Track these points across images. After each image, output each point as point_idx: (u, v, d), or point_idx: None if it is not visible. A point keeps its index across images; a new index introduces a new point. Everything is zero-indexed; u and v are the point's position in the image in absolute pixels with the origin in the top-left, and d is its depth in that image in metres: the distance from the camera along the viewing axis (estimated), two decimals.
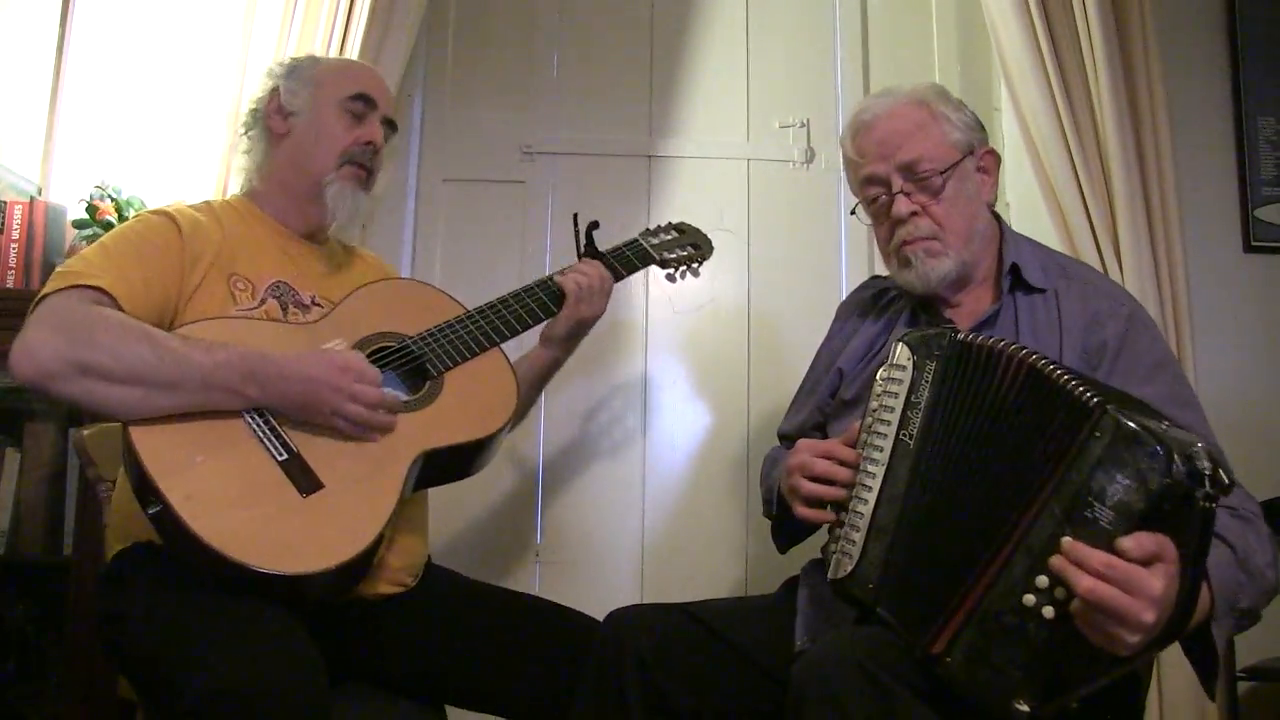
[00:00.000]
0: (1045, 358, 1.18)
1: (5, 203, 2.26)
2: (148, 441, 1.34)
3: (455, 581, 1.67)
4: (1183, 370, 1.45)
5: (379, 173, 1.72)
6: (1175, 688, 2.18)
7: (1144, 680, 1.41)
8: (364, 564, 1.38)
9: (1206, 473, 1.02)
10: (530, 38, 2.70)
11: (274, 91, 1.69)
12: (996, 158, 1.58)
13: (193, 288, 1.50)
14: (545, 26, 2.71)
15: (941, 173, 1.48)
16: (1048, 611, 1.08)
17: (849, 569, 1.27)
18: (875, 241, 1.63)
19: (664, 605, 1.46)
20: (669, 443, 2.58)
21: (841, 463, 1.33)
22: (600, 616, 1.48)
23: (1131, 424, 1.06)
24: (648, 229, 1.95)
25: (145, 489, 1.33)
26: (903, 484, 1.26)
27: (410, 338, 1.59)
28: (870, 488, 1.28)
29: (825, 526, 1.37)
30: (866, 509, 1.28)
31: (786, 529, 1.59)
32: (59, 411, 2.15)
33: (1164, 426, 1.06)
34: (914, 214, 1.50)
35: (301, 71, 1.70)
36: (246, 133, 1.72)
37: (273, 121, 1.68)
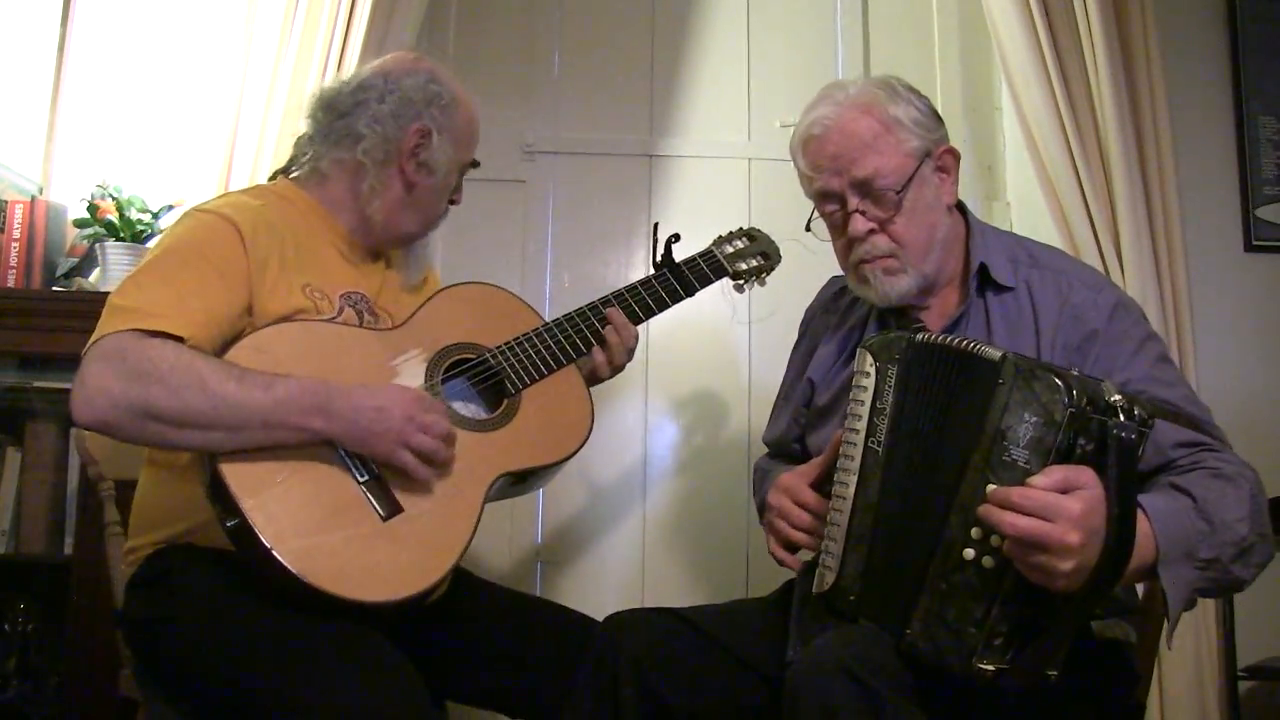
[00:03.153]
0: (976, 341, 1.21)
1: (6, 202, 2.26)
2: (231, 457, 1.31)
3: (457, 578, 1.66)
4: (1167, 353, 1.44)
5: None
6: (1176, 687, 2.18)
7: (1144, 678, 1.41)
8: (440, 588, 1.38)
9: (1118, 404, 1.07)
10: (531, 37, 2.70)
11: (422, 130, 1.57)
12: (955, 156, 1.51)
13: (266, 293, 1.43)
14: (546, 26, 2.71)
15: (898, 190, 1.42)
16: (987, 561, 1.12)
17: (830, 581, 1.29)
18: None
19: (660, 609, 1.46)
20: (670, 443, 2.58)
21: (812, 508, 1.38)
22: (601, 617, 1.49)
23: (1028, 364, 1.12)
24: (720, 236, 1.87)
25: (225, 503, 1.30)
26: (875, 492, 1.27)
27: (489, 350, 1.56)
28: (845, 498, 1.29)
29: None
30: (843, 520, 1.28)
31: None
32: (60, 411, 2.15)
33: (1067, 370, 1.12)
34: (871, 232, 1.44)
35: (448, 115, 1.61)
36: (348, 135, 1.56)
37: (406, 165, 1.57)
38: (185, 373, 1.29)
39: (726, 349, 2.60)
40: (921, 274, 1.46)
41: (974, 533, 1.13)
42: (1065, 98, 2.30)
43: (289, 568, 1.26)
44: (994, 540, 1.11)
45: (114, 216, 2.23)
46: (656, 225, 1.79)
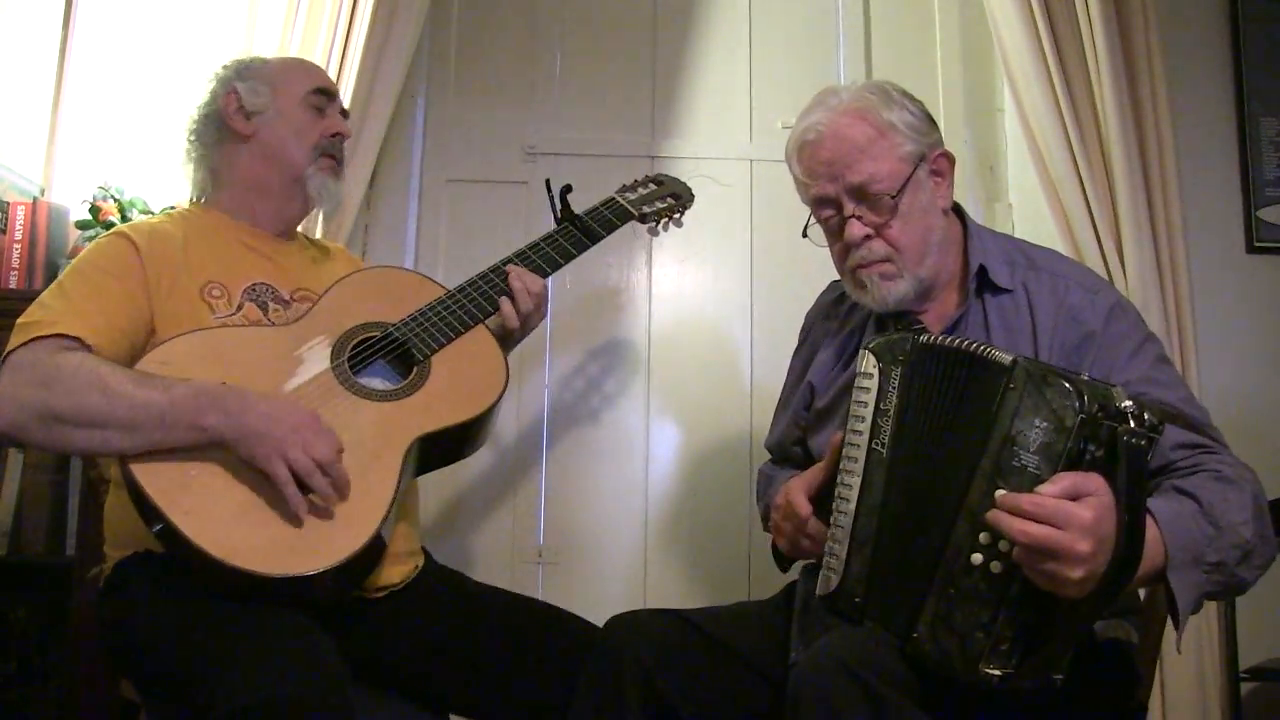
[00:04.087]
0: (986, 344, 1.21)
1: (8, 203, 2.26)
2: (143, 463, 1.35)
3: (458, 582, 1.66)
4: (1166, 354, 1.44)
5: (344, 163, 1.76)
6: (1178, 687, 2.18)
7: (1146, 679, 1.41)
8: (370, 556, 1.38)
9: (1129, 410, 1.07)
10: (533, 39, 2.70)
11: (231, 94, 1.67)
12: (950, 159, 1.51)
13: (164, 303, 1.50)
14: (548, 27, 2.71)
15: (893, 195, 1.42)
16: (995, 566, 1.11)
17: (835, 584, 1.28)
18: None
19: (663, 611, 1.46)
20: (672, 445, 2.57)
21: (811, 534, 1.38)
22: (602, 619, 1.48)
23: (1040, 369, 1.12)
24: (624, 185, 1.92)
25: (145, 509, 1.33)
26: (879, 494, 1.26)
27: (392, 325, 1.59)
28: (849, 500, 1.29)
29: None
30: (847, 522, 1.28)
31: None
32: None
33: (1078, 375, 1.11)
34: (867, 237, 1.44)
35: (254, 71, 1.70)
36: (197, 140, 1.69)
37: (235, 122, 1.66)
38: (86, 376, 1.35)
39: (728, 351, 2.60)
40: (918, 278, 1.46)
41: (982, 538, 1.12)
42: (1067, 99, 2.31)
43: (212, 555, 1.27)
44: (1002, 546, 1.10)
45: (116, 218, 2.23)
46: (548, 181, 1.83)
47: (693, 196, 1.94)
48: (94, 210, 2.25)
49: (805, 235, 1.56)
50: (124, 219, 2.23)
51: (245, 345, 1.49)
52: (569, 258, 1.78)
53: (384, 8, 2.29)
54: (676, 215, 1.92)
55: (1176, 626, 1.21)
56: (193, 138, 1.70)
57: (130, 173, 2.35)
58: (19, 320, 1.44)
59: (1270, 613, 2.27)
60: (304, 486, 1.35)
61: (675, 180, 1.95)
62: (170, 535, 1.31)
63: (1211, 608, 2.21)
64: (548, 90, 2.68)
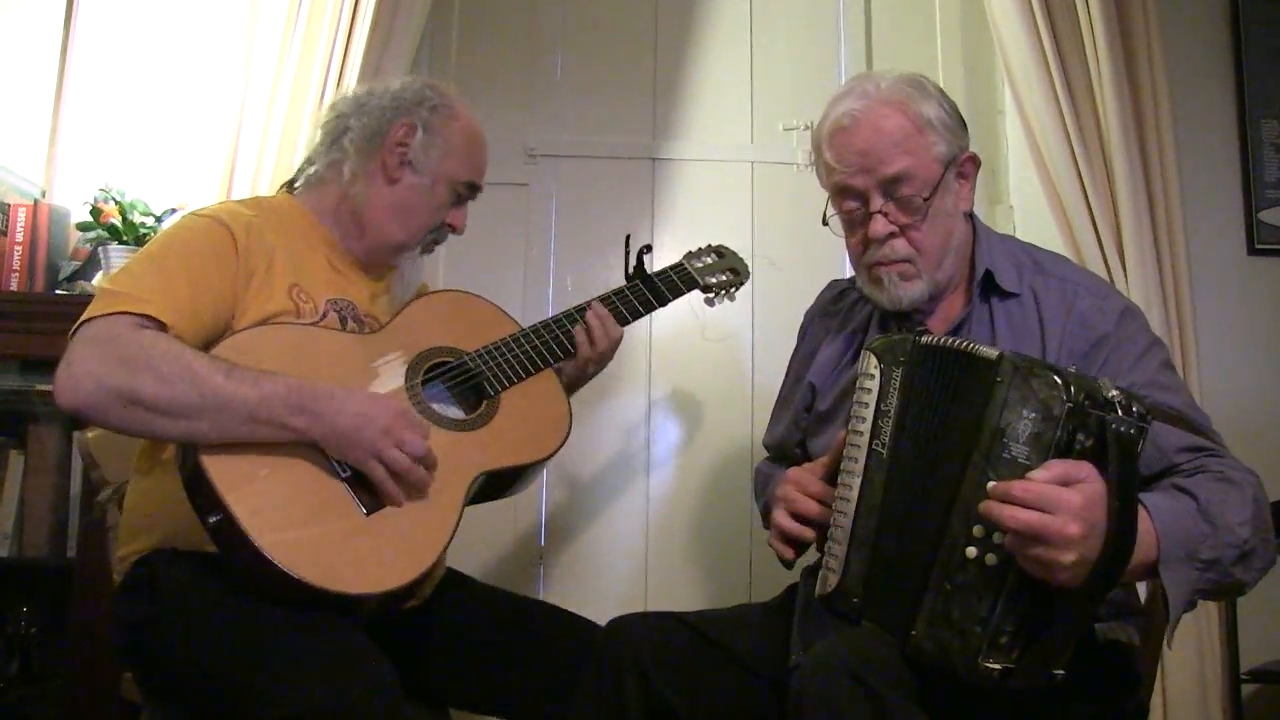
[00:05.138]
0: (969, 340, 1.21)
1: (9, 205, 2.26)
2: (214, 452, 1.32)
3: (460, 583, 1.67)
4: (1171, 359, 1.44)
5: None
6: (1179, 690, 2.18)
7: (1147, 681, 1.41)
8: (421, 583, 1.39)
9: (1116, 400, 1.08)
10: (533, 40, 2.70)
11: (407, 127, 1.58)
12: (976, 162, 1.49)
13: (251, 297, 1.46)
14: (548, 29, 2.71)
15: (925, 198, 1.41)
16: (990, 559, 1.12)
17: (834, 583, 1.28)
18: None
19: (663, 613, 1.46)
20: (673, 446, 2.58)
21: (821, 498, 1.35)
22: (604, 621, 1.48)
23: (1026, 361, 1.13)
24: (691, 251, 1.92)
25: (207, 498, 1.30)
26: (879, 494, 1.26)
27: (468, 354, 1.58)
28: (849, 500, 1.28)
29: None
30: (846, 522, 1.28)
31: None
32: (63, 414, 2.15)
33: (1064, 367, 1.12)
34: (891, 235, 1.42)
35: (441, 122, 1.61)
36: (341, 136, 1.60)
37: (389, 157, 1.58)
38: (175, 362, 1.30)
39: (730, 352, 2.60)
40: (934, 280, 1.45)
41: (976, 530, 1.13)
42: (1068, 101, 2.30)
43: (271, 559, 1.26)
44: (996, 537, 1.11)
45: (117, 220, 2.23)
46: (629, 237, 1.84)
47: (749, 274, 1.97)
48: (95, 212, 2.25)
49: (825, 223, 1.53)
50: (125, 221, 2.23)
51: (321, 347, 1.47)
52: (637, 316, 1.78)
53: (385, 9, 2.29)
54: (733, 290, 1.94)
55: (1169, 621, 1.20)
56: (335, 129, 1.61)
57: (131, 174, 2.35)
58: (103, 285, 1.37)
59: (1271, 615, 2.27)
60: (369, 485, 1.35)
61: (735, 255, 1.97)
62: (227, 530, 1.28)
63: (1213, 610, 2.21)
64: (548, 92, 2.68)
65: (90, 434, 1.67)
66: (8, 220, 2.24)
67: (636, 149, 2.66)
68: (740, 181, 2.65)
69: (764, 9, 2.74)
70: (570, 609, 1.66)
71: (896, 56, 2.72)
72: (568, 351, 1.67)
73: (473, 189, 1.68)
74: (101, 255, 2.25)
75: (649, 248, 1.83)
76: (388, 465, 1.35)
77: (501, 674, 1.54)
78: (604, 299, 1.75)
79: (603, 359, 1.72)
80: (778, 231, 2.62)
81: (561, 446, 1.58)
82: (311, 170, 1.64)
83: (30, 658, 2.19)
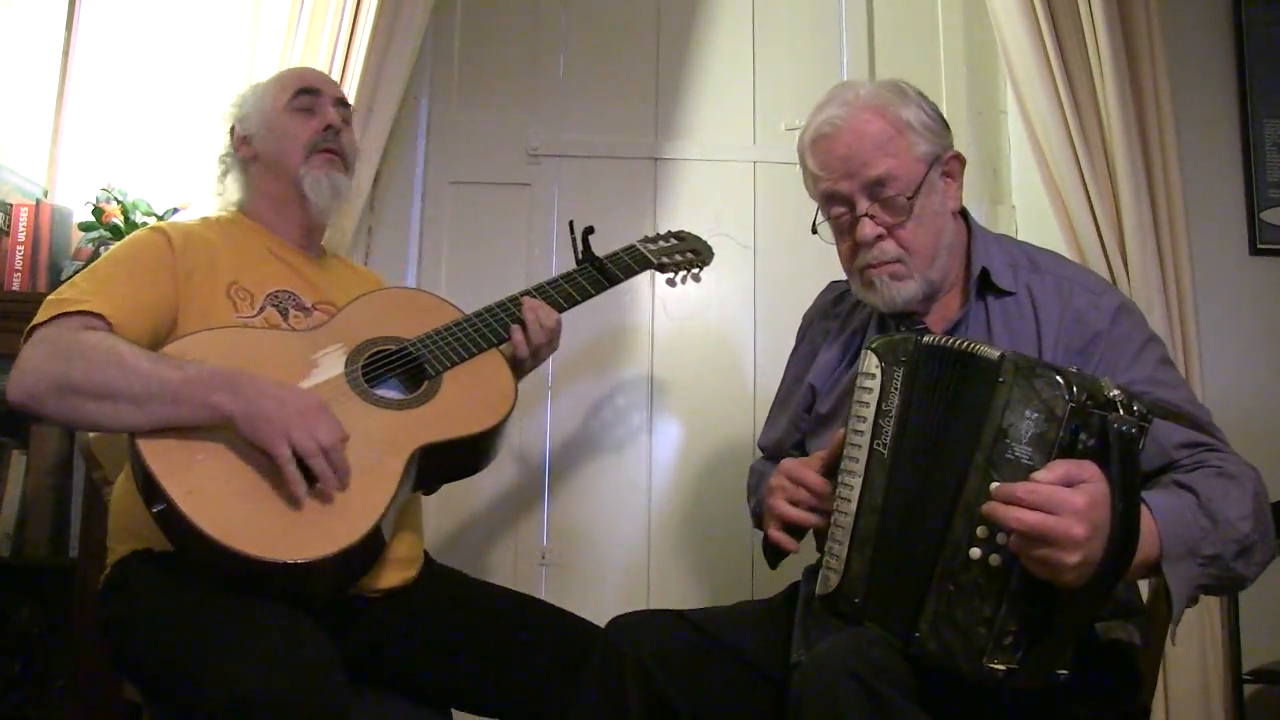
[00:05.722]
0: (976, 341, 1.21)
1: (11, 205, 2.26)
2: (151, 442, 1.37)
3: (459, 581, 1.67)
4: (1168, 355, 1.44)
5: (352, 152, 1.77)
6: (1181, 689, 2.18)
7: (1149, 681, 1.41)
8: (368, 552, 1.39)
9: (1117, 399, 1.08)
10: (536, 40, 2.70)
11: (232, 130, 1.76)
12: (961, 161, 1.51)
13: (190, 298, 1.54)
14: (550, 29, 2.71)
15: (909, 197, 1.42)
16: (994, 560, 1.12)
17: (834, 584, 1.28)
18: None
19: (664, 611, 1.46)
20: (675, 446, 2.58)
21: (817, 490, 1.35)
22: (605, 620, 1.48)
23: (1028, 361, 1.13)
24: (646, 236, 1.96)
25: (149, 488, 1.35)
26: (880, 494, 1.26)
27: (409, 340, 1.62)
28: (849, 500, 1.28)
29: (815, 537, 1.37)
30: (847, 522, 1.28)
31: (774, 545, 1.59)
32: None
33: (1065, 367, 1.12)
34: (879, 237, 1.44)
35: (246, 100, 1.78)
36: (223, 178, 1.77)
37: (241, 151, 1.74)
38: (106, 351, 1.39)
39: (731, 352, 2.60)
40: (927, 280, 1.46)
41: (980, 531, 1.13)
42: (1070, 101, 2.30)
43: (209, 535, 1.28)
44: (1000, 538, 1.11)
45: (119, 220, 2.24)
46: (572, 222, 1.87)
47: (712, 254, 1.99)
48: (97, 212, 2.26)
49: (815, 231, 1.55)
50: (127, 221, 2.23)
51: (262, 345, 1.52)
52: (585, 296, 1.81)
53: (387, 10, 2.29)
54: (695, 270, 1.96)
55: (1171, 619, 1.20)
56: (219, 179, 1.79)
57: (133, 174, 2.35)
58: (48, 298, 1.48)
59: (1274, 615, 2.27)
60: (306, 471, 1.36)
61: (696, 238, 2.00)
62: (170, 516, 1.32)
63: (1216, 610, 2.21)
64: (551, 92, 2.68)
65: (92, 434, 1.67)
66: (10, 220, 2.24)
67: (639, 149, 2.67)
68: (743, 181, 2.65)
69: (766, 8, 2.74)
70: (572, 607, 1.66)
71: (899, 56, 2.72)
72: (509, 331, 1.70)
73: (307, 92, 1.74)
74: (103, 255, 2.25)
75: (591, 229, 1.85)
76: (293, 445, 1.36)
77: (502, 673, 1.54)
78: (551, 283, 1.79)
79: (542, 349, 1.74)
80: (780, 231, 2.62)
81: (506, 418, 1.59)
82: (235, 199, 1.77)
83: (32, 658, 2.19)
